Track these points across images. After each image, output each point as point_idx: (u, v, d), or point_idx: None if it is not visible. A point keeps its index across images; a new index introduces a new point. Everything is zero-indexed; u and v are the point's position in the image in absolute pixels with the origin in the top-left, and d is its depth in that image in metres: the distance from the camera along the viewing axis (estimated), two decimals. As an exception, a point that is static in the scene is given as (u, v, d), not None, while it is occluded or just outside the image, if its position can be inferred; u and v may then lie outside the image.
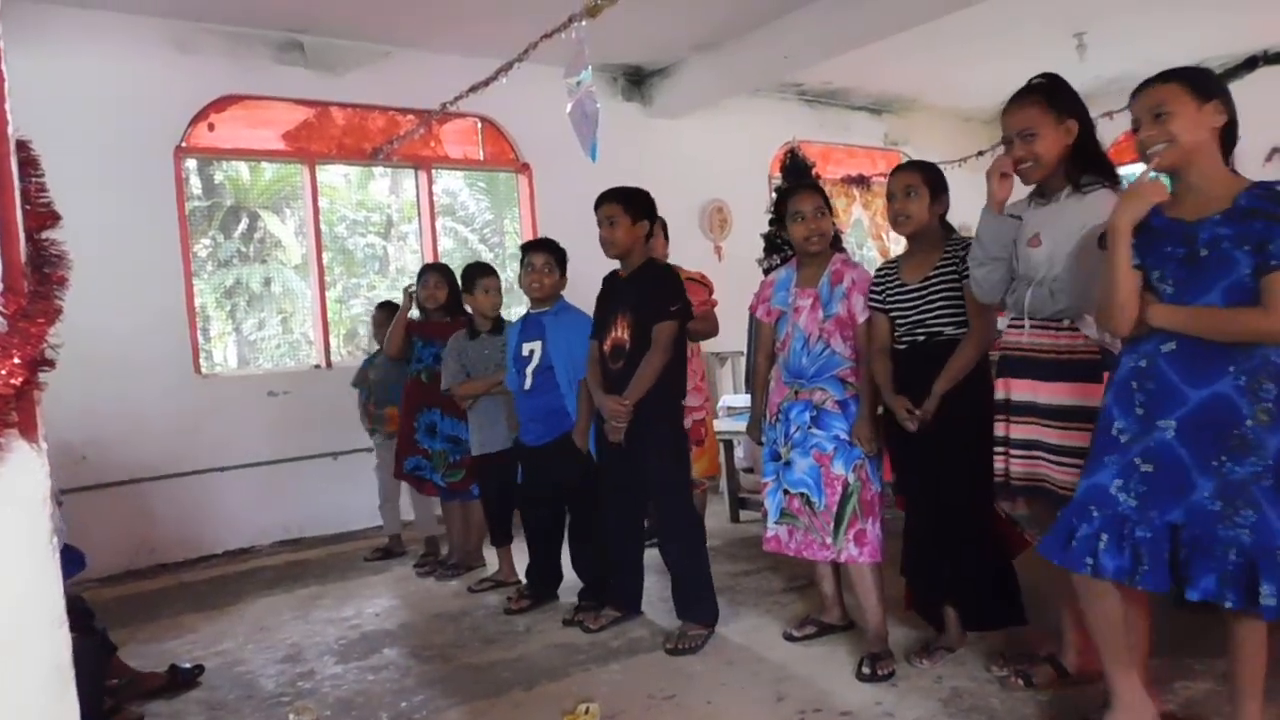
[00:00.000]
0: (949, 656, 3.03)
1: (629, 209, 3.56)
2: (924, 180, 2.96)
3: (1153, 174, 2.20)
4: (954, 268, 2.90)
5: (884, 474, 3.19)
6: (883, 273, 3.11)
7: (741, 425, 4.71)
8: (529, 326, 4.00)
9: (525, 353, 3.95)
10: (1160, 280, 2.13)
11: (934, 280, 2.93)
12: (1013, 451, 2.60)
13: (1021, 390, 2.58)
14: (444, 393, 4.39)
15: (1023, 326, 2.58)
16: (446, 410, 4.55)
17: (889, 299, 3.04)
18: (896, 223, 3.01)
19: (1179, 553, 2.05)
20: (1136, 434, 2.13)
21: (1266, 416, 1.97)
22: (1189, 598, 2.02)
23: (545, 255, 3.94)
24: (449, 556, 4.85)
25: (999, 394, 2.65)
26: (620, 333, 3.55)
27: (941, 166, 3.15)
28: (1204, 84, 2.12)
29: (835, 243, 3.34)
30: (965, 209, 3.31)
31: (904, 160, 9.00)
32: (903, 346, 3.01)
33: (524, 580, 4.20)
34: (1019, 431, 2.58)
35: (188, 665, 3.46)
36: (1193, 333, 2.06)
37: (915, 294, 2.96)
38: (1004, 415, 2.63)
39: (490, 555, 4.61)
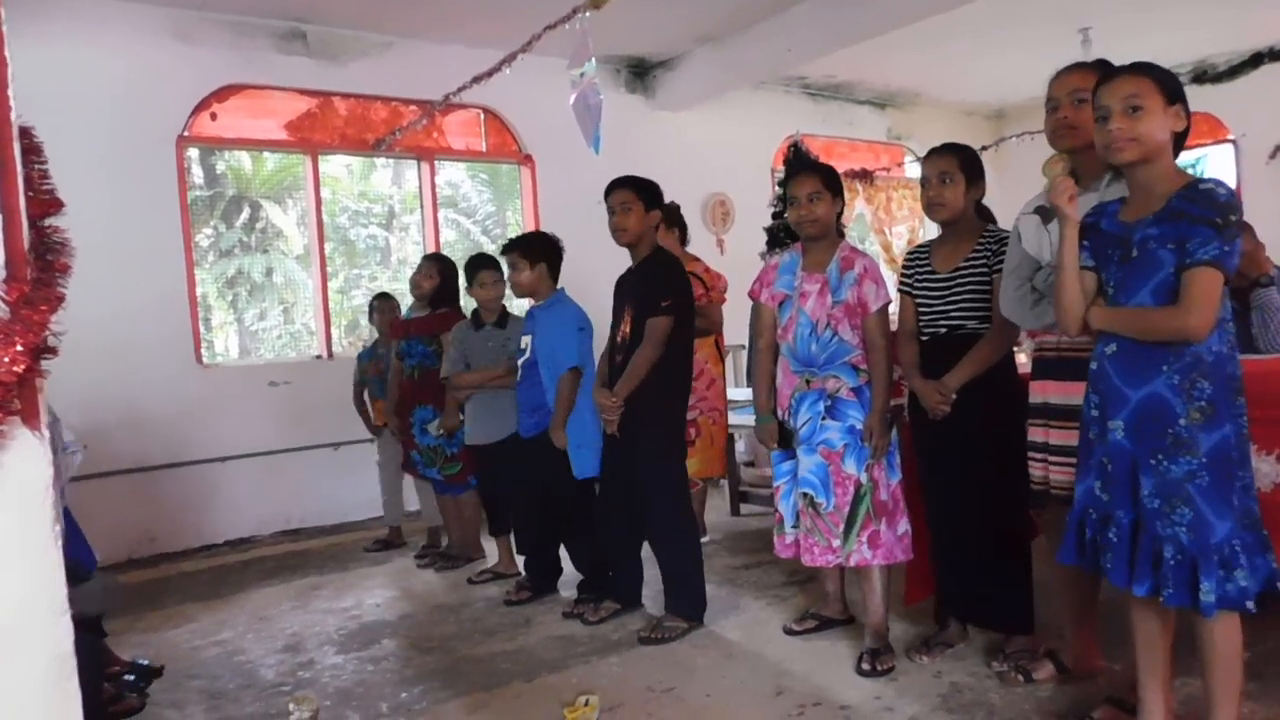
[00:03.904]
0: (948, 652, 3.03)
1: (643, 196, 3.50)
2: (960, 165, 2.85)
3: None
4: (985, 260, 2.81)
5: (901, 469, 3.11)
6: (914, 256, 3.04)
7: (743, 419, 4.70)
8: (529, 320, 4.02)
9: (523, 346, 3.97)
10: (1106, 283, 2.17)
11: (963, 271, 2.85)
12: (1053, 458, 2.52)
13: (1059, 393, 2.49)
14: (441, 381, 4.39)
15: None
16: (440, 407, 4.53)
17: (917, 285, 2.97)
18: (930, 210, 2.91)
19: (1134, 550, 2.10)
20: (1098, 434, 2.17)
21: (1199, 415, 2.00)
22: (1135, 593, 2.08)
23: (512, 254, 3.96)
24: (449, 548, 4.86)
25: (1035, 397, 2.57)
26: (625, 327, 3.53)
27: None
28: (1172, 85, 2.09)
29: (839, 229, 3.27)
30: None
31: (908, 154, 9.06)
32: (924, 338, 2.95)
33: (524, 572, 4.20)
34: (1060, 437, 2.48)
35: (145, 662, 3.30)
36: (1123, 333, 2.10)
37: (943, 284, 2.88)
38: (1042, 420, 2.55)
39: (490, 547, 4.61)
